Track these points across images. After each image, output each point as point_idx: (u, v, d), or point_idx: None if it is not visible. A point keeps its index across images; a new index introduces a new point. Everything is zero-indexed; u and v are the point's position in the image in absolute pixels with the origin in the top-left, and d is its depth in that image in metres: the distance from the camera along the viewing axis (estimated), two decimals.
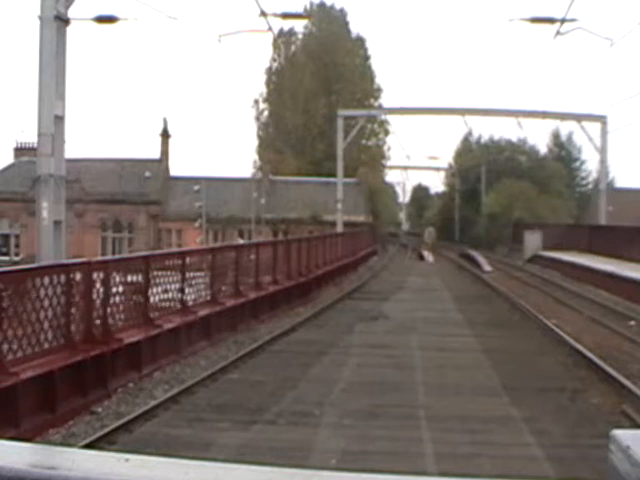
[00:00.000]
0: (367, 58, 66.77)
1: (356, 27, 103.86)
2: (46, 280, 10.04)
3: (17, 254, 48.90)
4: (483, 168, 65.22)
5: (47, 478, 1.09)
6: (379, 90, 66.20)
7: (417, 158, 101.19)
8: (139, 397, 10.80)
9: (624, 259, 28.90)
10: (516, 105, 75.70)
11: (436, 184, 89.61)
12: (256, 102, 65.94)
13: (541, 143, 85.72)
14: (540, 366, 13.18)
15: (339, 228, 43.59)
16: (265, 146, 63.55)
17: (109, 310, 11.65)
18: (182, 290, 14.67)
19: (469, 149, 71.55)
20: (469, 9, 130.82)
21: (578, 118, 43.66)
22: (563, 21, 25.41)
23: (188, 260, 15.75)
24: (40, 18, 13.45)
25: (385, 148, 66.90)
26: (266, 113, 66.00)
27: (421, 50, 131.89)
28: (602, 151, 42.61)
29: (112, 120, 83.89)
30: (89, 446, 7.96)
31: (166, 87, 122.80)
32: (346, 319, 18.73)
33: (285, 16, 26.95)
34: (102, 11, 20.59)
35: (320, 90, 62.04)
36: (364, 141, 62.75)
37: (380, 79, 76.42)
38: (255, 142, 66.04)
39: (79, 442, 8.39)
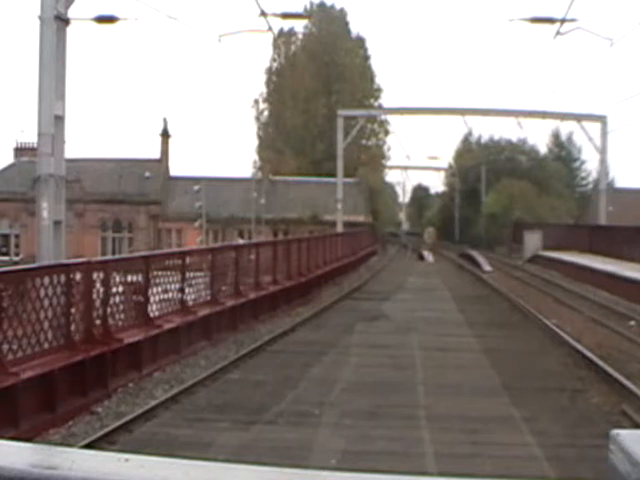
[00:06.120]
0: (367, 58, 66.85)
1: (356, 27, 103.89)
2: (46, 280, 10.04)
3: (17, 254, 48.92)
4: (483, 168, 65.23)
5: (47, 478, 1.09)
6: (379, 90, 66.34)
7: (417, 158, 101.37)
8: (139, 397, 10.80)
9: (624, 259, 28.89)
10: (516, 105, 75.63)
11: (436, 184, 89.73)
12: (256, 102, 66.09)
13: (541, 143, 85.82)
14: (540, 366, 13.18)
15: (339, 228, 43.59)
16: (265, 146, 63.59)
17: (109, 310, 11.65)
18: (182, 290, 14.67)
19: (469, 149, 71.55)
20: (469, 9, 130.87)
21: (578, 118, 43.66)
22: (563, 21, 25.41)
23: (188, 260, 15.75)
24: (40, 18, 13.44)
25: (385, 148, 67.06)
26: (266, 113, 66.09)
27: (421, 50, 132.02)
28: (602, 151, 42.61)
29: (112, 120, 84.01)
30: (89, 446, 7.96)
31: (166, 87, 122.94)
32: (346, 319, 18.72)
33: (285, 16, 26.96)
34: (102, 11, 20.61)
35: (320, 90, 62.07)
36: (364, 141, 62.78)
37: (380, 79, 76.52)
38: (255, 142, 66.21)
39: (79, 442, 8.39)
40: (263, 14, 24.33)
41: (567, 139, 67.43)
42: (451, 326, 18.21)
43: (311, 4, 64.01)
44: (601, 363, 12.47)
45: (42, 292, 9.89)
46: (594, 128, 42.61)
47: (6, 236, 51.96)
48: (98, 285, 11.43)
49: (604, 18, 76.14)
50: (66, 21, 13.76)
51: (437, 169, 76.97)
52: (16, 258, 46.51)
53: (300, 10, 50.51)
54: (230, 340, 15.33)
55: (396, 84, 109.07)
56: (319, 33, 63.96)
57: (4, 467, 1.09)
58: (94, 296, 11.29)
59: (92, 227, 52.01)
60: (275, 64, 65.95)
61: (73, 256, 20.36)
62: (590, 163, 63.95)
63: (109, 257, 33.10)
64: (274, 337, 15.69)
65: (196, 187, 49.30)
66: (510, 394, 10.86)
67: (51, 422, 9.30)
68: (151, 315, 13.18)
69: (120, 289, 12.29)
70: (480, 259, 42.82)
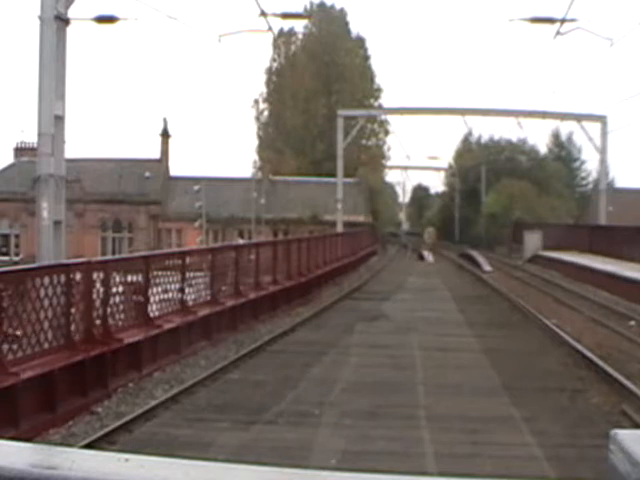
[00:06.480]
0: (367, 58, 66.86)
1: (356, 27, 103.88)
2: (46, 280, 10.04)
3: (17, 254, 48.92)
4: (483, 168, 65.23)
5: (47, 478, 1.09)
6: (379, 90, 66.35)
7: (417, 158, 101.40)
8: (139, 397, 10.80)
9: (624, 259, 28.89)
10: (516, 105, 75.63)
11: (436, 184, 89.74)
12: (256, 102, 66.11)
13: (541, 143, 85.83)
14: (540, 366, 13.18)
15: (339, 228, 43.59)
16: (265, 146, 63.60)
17: (109, 310, 11.65)
18: (182, 290, 14.67)
19: (469, 149, 71.55)
20: (469, 9, 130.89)
21: (578, 118, 43.65)
22: (563, 21, 25.42)
23: (188, 260, 15.75)
24: (40, 18, 13.44)
25: (385, 148, 67.07)
26: (266, 113, 66.10)
27: (421, 50, 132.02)
28: (602, 151, 42.60)
29: (112, 120, 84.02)
30: (89, 446, 7.96)
31: (166, 87, 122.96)
32: (346, 319, 18.72)
33: (285, 16, 26.96)
34: (102, 11, 20.62)
35: (320, 90, 62.07)
36: (364, 141, 62.79)
37: (380, 79, 76.52)
38: (255, 142, 66.22)
39: (79, 442, 8.39)
40: (263, 14, 24.34)
41: (567, 139, 67.50)
42: (451, 326, 18.20)
43: (311, 4, 64.09)
44: (601, 363, 12.47)
45: (42, 292, 9.89)
46: (594, 128, 42.66)
47: (6, 236, 51.96)
48: (98, 285, 11.43)
49: (604, 18, 76.18)
50: (66, 21, 13.76)
51: (437, 169, 77.04)
52: (16, 258, 46.51)
53: (300, 10, 50.54)
54: (230, 340, 15.33)
55: (396, 84, 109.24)
56: (319, 33, 63.96)
57: (4, 467, 1.09)
58: (94, 296, 11.29)
59: (92, 227, 52.01)
60: (275, 64, 65.99)
61: (73, 256, 20.36)
62: (590, 163, 64.04)
63: (109, 257, 33.10)
64: (274, 337, 15.68)
65: (196, 187, 49.30)
66: (510, 394, 10.86)
67: (51, 422, 9.30)
68: (151, 315, 13.18)
69: (120, 289, 12.29)
70: (480, 259, 42.82)
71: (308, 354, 13.91)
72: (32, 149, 35.25)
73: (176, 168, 56.38)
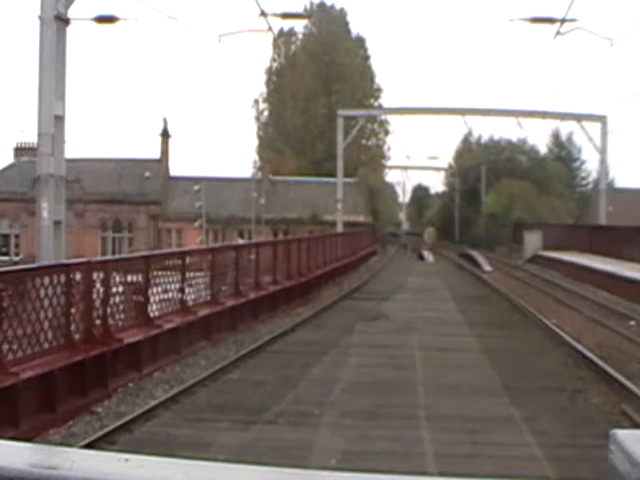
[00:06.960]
0: (367, 58, 66.89)
1: (356, 27, 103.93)
2: (46, 280, 10.04)
3: (17, 254, 48.92)
4: (483, 168, 65.24)
5: (47, 478, 1.09)
6: (379, 90, 66.37)
7: (417, 158, 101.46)
8: (139, 397, 10.80)
9: (624, 259, 28.89)
10: (516, 105, 75.63)
11: (436, 184, 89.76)
12: (256, 102, 66.13)
13: (541, 143, 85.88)
14: (540, 366, 13.18)
15: (339, 228, 43.59)
16: (265, 146, 63.61)
17: (109, 310, 11.65)
18: (182, 290, 14.67)
19: (469, 149, 71.55)
20: (469, 9, 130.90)
21: (578, 118, 43.66)
22: (563, 21, 25.42)
23: (188, 260, 15.75)
24: (40, 18, 13.44)
25: (385, 148, 67.09)
26: (266, 113, 66.11)
27: (421, 50, 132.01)
28: (602, 151, 42.60)
29: (112, 120, 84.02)
30: (89, 446, 7.96)
31: (166, 87, 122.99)
32: (346, 319, 18.72)
33: (285, 16, 26.97)
34: (102, 11, 20.62)
35: (320, 90, 62.08)
36: (364, 141, 62.80)
37: (380, 79, 76.55)
38: (255, 142, 66.24)
39: (79, 442, 8.39)
40: (263, 14, 24.34)
41: (567, 139, 67.53)
42: (451, 326, 18.20)
43: (311, 4, 64.10)
44: (601, 363, 12.47)
45: (42, 292, 9.89)
46: (594, 128, 42.66)
47: (6, 236, 51.97)
48: (98, 285, 11.43)
49: (604, 18, 76.21)
50: (66, 21, 13.76)
51: (437, 169, 77.05)
52: (16, 258, 46.51)
53: (300, 10, 50.55)
54: (230, 340, 15.33)
55: (396, 84, 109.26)
56: (319, 33, 63.97)
57: (4, 467, 1.09)
58: (94, 296, 11.29)
59: (92, 227, 52.02)
60: (275, 64, 66.00)
61: (73, 256, 20.36)
62: (590, 163, 64.08)
63: (109, 257, 33.09)
64: (274, 337, 15.68)
65: (196, 187, 49.30)
66: (510, 394, 10.86)
67: (51, 422, 9.30)
68: (151, 315, 13.18)
69: (120, 289, 12.29)
70: (480, 259, 42.82)
71: (308, 354, 13.91)
72: (32, 149, 35.24)
73: (176, 168, 56.49)
